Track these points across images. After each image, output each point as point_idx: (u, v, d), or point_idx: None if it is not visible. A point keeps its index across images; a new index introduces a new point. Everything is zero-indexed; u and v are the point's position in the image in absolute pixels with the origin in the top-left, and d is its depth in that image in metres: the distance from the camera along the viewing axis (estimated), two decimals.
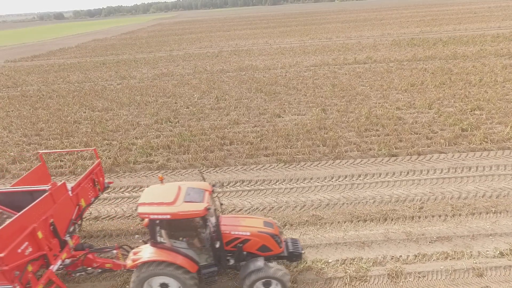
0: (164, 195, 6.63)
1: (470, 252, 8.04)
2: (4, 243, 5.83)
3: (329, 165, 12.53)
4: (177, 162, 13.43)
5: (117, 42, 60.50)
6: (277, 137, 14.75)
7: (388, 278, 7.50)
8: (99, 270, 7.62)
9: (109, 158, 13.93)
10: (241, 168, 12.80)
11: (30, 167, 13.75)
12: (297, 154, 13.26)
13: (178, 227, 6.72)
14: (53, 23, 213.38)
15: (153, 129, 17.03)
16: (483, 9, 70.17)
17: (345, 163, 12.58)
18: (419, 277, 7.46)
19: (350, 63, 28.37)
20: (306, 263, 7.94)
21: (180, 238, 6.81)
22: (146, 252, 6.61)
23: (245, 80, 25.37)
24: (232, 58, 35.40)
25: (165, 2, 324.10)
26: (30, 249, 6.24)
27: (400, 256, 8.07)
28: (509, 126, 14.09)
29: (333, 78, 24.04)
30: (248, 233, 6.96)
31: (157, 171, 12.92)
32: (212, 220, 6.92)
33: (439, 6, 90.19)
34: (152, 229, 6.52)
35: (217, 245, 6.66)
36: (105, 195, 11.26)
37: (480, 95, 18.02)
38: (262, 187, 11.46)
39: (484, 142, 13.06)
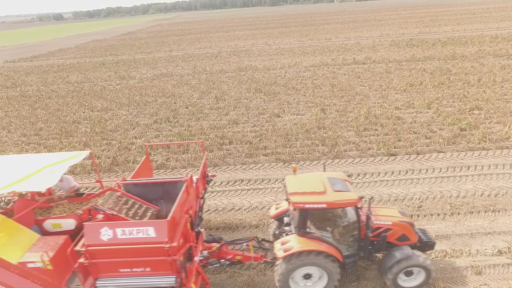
0: (311, 185, 6.71)
1: (469, 250, 8.08)
2: (172, 231, 5.81)
3: (328, 164, 12.56)
4: (176, 161, 13.45)
5: (117, 43, 60.51)
6: (276, 137, 14.78)
7: None
8: (227, 263, 7.46)
9: (108, 157, 13.94)
10: (240, 167, 12.82)
11: None
12: (296, 154, 13.29)
13: (326, 216, 6.81)
14: (52, 23, 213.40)
15: (152, 129, 17.04)
16: (481, 10, 70.40)
17: (344, 162, 12.61)
18: None
19: (349, 63, 28.44)
20: None
21: (327, 228, 6.82)
22: (295, 243, 6.55)
23: (245, 80, 25.41)
24: (231, 58, 35.45)
25: (165, 3, 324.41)
26: (181, 240, 6.21)
27: None
28: (507, 126, 14.14)
29: (332, 78, 24.09)
30: (390, 223, 6.91)
31: (157, 170, 12.93)
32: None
33: (437, 7, 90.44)
34: (302, 218, 6.55)
35: (369, 234, 6.64)
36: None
37: (479, 95, 18.08)
38: (261, 186, 11.48)
39: (482, 142, 13.11)
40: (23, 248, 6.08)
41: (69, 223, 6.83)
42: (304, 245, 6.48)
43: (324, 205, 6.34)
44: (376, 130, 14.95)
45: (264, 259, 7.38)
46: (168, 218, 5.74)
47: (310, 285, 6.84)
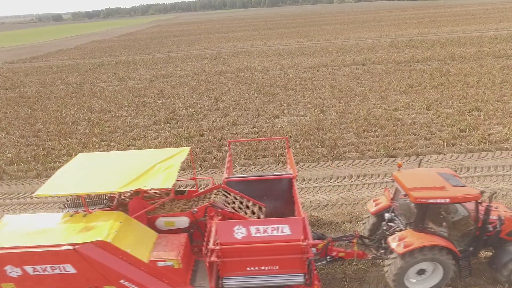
0: (429, 180, 6.70)
1: None
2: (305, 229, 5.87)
3: (328, 166, 12.53)
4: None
5: (116, 44, 60.47)
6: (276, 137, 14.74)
7: None
8: (329, 260, 7.28)
9: None
10: (240, 169, 12.78)
11: (28, 168, 13.72)
12: (296, 155, 13.25)
13: (440, 211, 6.81)
14: (51, 24, 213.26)
15: (151, 130, 17.01)
16: (480, 10, 70.54)
17: (343, 164, 12.58)
18: None
19: (349, 64, 28.44)
20: None
21: (443, 224, 6.78)
22: (414, 238, 6.46)
23: (244, 81, 25.39)
24: (230, 59, 35.44)
25: (164, 4, 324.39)
26: None
27: None
28: (507, 127, 14.13)
29: (332, 79, 24.08)
30: (503, 217, 6.81)
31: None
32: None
33: (437, 8, 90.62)
34: (422, 214, 6.51)
35: (490, 229, 6.61)
36: None
37: (478, 96, 18.08)
38: None
39: (482, 143, 13.10)
40: (148, 246, 6.06)
41: (183, 221, 6.75)
42: (425, 240, 6.42)
43: (447, 200, 6.33)
44: (375, 131, 14.93)
45: (366, 257, 7.31)
46: (302, 216, 5.78)
47: (421, 281, 6.83)
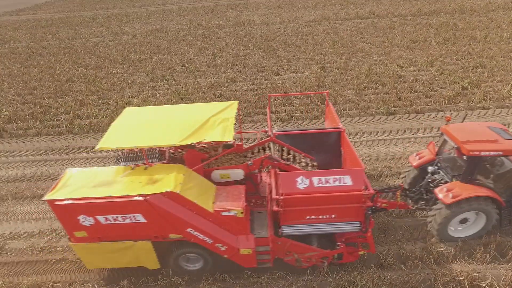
0: (481, 133, 6.87)
1: None
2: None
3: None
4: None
5: None
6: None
7: None
8: (372, 210, 7.52)
9: (106, 117, 13.82)
10: (239, 126, 12.76)
11: (27, 126, 13.69)
12: (295, 112, 13.20)
13: (491, 165, 7.08)
14: None
15: (149, 87, 16.71)
16: None
17: (343, 121, 12.56)
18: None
19: (352, 18, 27.17)
20: None
21: (491, 176, 7.05)
22: (462, 189, 6.77)
23: (242, 36, 24.42)
24: (228, 12, 33.74)
25: None
26: None
27: None
28: (510, 85, 13.92)
29: (334, 34, 23.16)
30: None
31: None
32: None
33: None
34: (473, 166, 6.77)
35: None
36: None
37: (484, 52, 17.55)
38: None
39: (483, 101, 12.99)
40: (210, 197, 6.30)
41: (238, 173, 6.92)
42: (473, 191, 6.71)
43: (501, 153, 6.52)
44: (376, 88, 14.72)
45: (407, 207, 7.61)
46: (364, 167, 5.98)
47: (462, 229, 7.23)
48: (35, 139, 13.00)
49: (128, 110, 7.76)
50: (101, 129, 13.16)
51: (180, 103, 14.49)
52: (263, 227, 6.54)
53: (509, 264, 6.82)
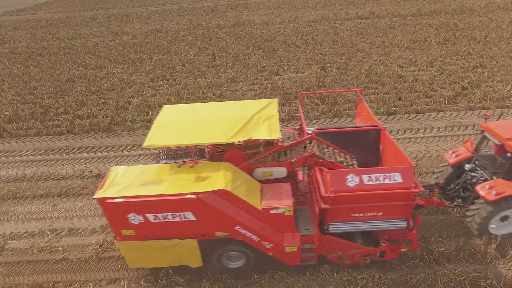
0: None
1: None
2: None
3: (327, 123, 12.54)
4: None
5: None
6: (275, 95, 14.56)
7: None
8: None
9: (106, 117, 13.83)
10: None
11: (27, 126, 13.69)
12: (295, 112, 13.20)
13: None
14: None
15: (149, 87, 16.71)
16: None
17: (343, 121, 12.58)
18: None
19: (352, 18, 27.19)
20: None
21: None
22: (504, 186, 6.73)
23: (243, 36, 24.43)
24: (228, 12, 33.75)
25: None
26: None
27: None
28: (510, 84, 13.93)
29: (334, 34, 23.17)
30: None
31: None
32: None
33: None
34: None
35: None
36: None
37: (484, 52, 17.57)
38: None
39: (483, 101, 13.00)
40: (256, 195, 6.27)
41: (281, 171, 6.83)
42: None
43: None
44: (376, 88, 14.73)
45: (444, 205, 7.58)
46: (414, 165, 5.93)
47: (503, 226, 7.20)
48: (35, 139, 13.00)
49: (167, 108, 7.66)
50: (102, 129, 13.17)
51: (180, 103, 14.49)
52: (308, 225, 6.53)
53: (510, 264, 6.84)
